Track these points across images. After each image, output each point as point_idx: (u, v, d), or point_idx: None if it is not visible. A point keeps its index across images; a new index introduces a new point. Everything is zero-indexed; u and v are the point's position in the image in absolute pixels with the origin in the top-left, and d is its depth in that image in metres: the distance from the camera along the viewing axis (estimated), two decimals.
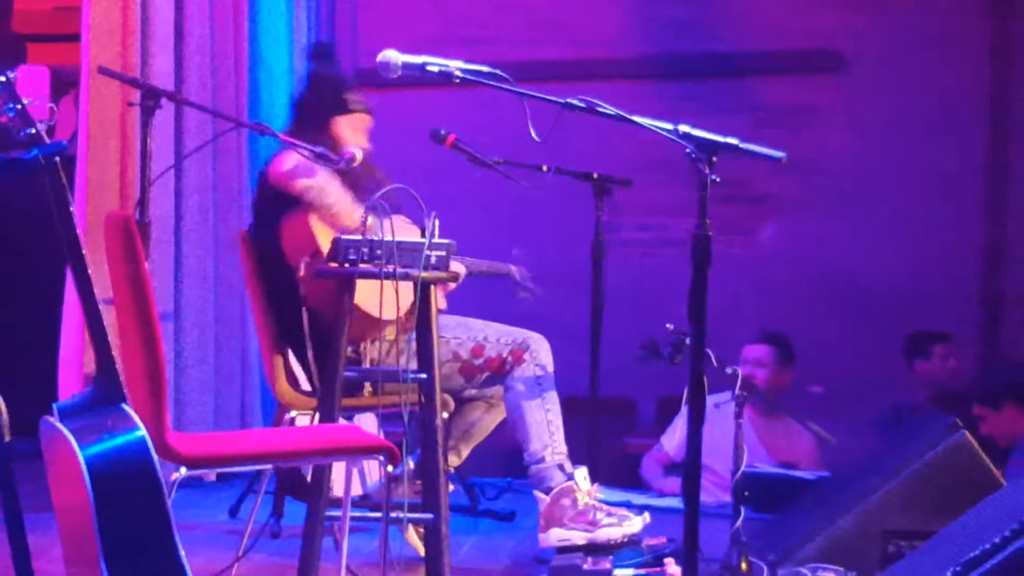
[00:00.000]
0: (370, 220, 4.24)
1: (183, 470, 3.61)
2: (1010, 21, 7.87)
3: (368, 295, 4.39)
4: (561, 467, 4.75)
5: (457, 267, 5.04)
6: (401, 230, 4.43)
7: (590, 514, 4.69)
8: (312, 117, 4.93)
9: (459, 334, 4.85)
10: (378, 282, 4.24)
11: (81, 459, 3.04)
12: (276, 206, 4.74)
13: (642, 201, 7.15)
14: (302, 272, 4.62)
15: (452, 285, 4.98)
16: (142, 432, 3.13)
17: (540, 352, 4.85)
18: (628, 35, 8.19)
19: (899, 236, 7.66)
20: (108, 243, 3.63)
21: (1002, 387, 5.90)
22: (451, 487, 5.20)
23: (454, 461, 5.10)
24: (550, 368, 4.83)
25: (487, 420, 5.07)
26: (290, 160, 4.67)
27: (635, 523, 4.72)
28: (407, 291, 4.27)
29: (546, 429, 4.77)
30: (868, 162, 7.75)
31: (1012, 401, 5.81)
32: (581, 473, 4.76)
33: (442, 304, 4.97)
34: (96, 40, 6.06)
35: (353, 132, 4.95)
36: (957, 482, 4.56)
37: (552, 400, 4.81)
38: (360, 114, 4.99)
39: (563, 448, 4.79)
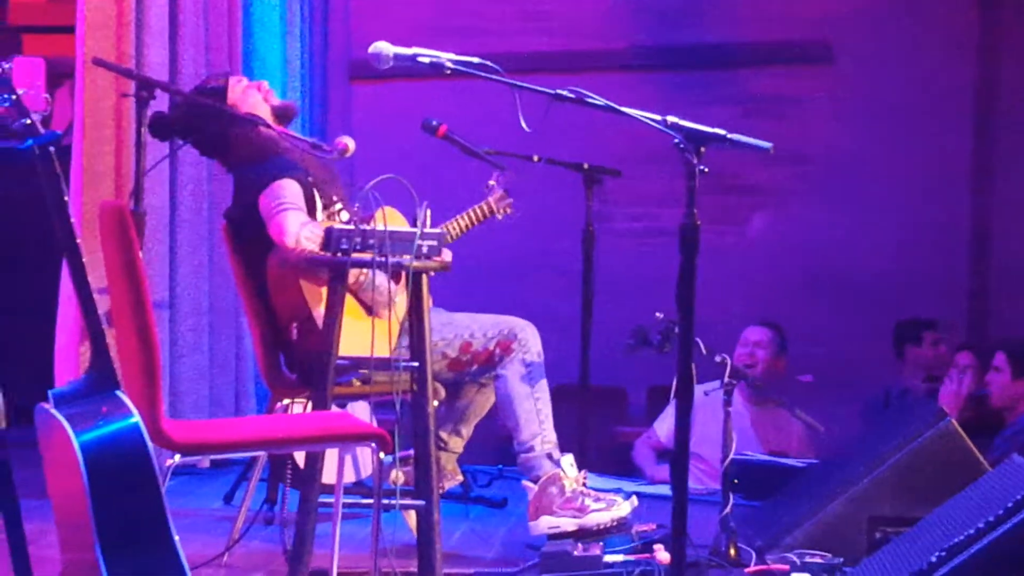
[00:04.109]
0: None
1: (177, 457, 3.64)
2: (996, 10, 7.92)
3: (354, 343, 4.42)
4: (550, 456, 4.76)
5: (445, 254, 5.05)
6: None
7: (578, 500, 4.71)
8: (209, 131, 4.90)
9: (446, 334, 4.83)
10: (363, 327, 4.28)
11: (76, 445, 3.08)
12: (263, 240, 4.69)
13: (633, 191, 7.21)
14: (294, 336, 4.67)
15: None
16: (136, 419, 3.17)
17: (529, 340, 4.83)
18: (619, 26, 8.23)
19: (887, 224, 7.72)
20: (103, 232, 3.67)
21: None
22: (460, 477, 5.23)
23: (458, 443, 5.10)
24: (540, 356, 4.82)
25: (480, 401, 5.06)
26: (291, 226, 4.52)
27: (623, 507, 4.75)
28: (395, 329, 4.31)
29: (535, 418, 4.78)
30: (856, 151, 7.79)
31: None
32: (568, 460, 4.78)
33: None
34: (90, 31, 6.08)
35: (238, 87, 4.96)
36: (943, 469, 4.61)
37: (542, 389, 4.82)
38: (232, 80, 4.99)
39: (552, 437, 4.80)
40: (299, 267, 4.57)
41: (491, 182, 5.48)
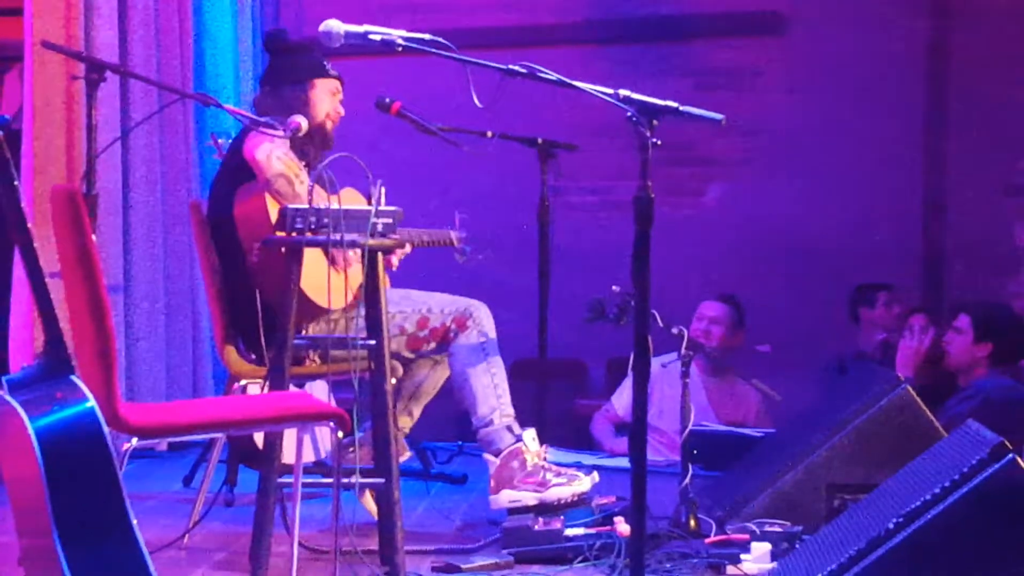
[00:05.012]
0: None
1: (134, 440, 3.64)
2: None
3: (315, 283, 4.42)
4: (509, 429, 4.80)
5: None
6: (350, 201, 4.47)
7: (539, 475, 4.74)
8: (289, 75, 4.93)
9: (404, 308, 4.87)
10: (325, 269, 4.27)
11: (31, 431, 3.06)
12: (234, 178, 4.75)
13: (588, 165, 7.20)
14: (254, 258, 4.65)
15: (399, 255, 5.03)
16: (91, 403, 3.16)
17: (482, 318, 4.89)
18: (572, 1, 8.22)
19: (842, 193, 7.74)
20: (55, 217, 3.65)
21: (998, 332, 5.91)
22: (408, 453, 5.24)
23: (407, 422, 5.13)
24: (493, 334, 4.88)
25: (434, 377, 5.10)
26: (267, 143, 4.59)
27: (584, 482, 4.78)
28: (355, 279, 4.30)
29: (493, 392, 4.82)
30: (810, 122, 7.81)
31: (993, 345, 5.85)
32: (529, 434, 4.81)
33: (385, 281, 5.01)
34: (39, 14, 6.04)
35: (331, 96, 4.96)
36: (899, 436, 4.65)
37: (497, 364, 4.86)
38: (336, 80, 5.00)
39: (510, 410, 4.84)
40: (267, 186, 4.59)
41: (456, 232, 5.52)
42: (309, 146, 4.81)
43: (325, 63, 4.97)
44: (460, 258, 5.55)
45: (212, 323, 5.06)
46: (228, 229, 4.74)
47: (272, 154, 4.55)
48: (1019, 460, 3.51)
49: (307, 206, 4.21)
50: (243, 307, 4.76)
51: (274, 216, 4.52)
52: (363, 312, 4.38)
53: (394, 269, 5.12)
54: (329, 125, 4.96)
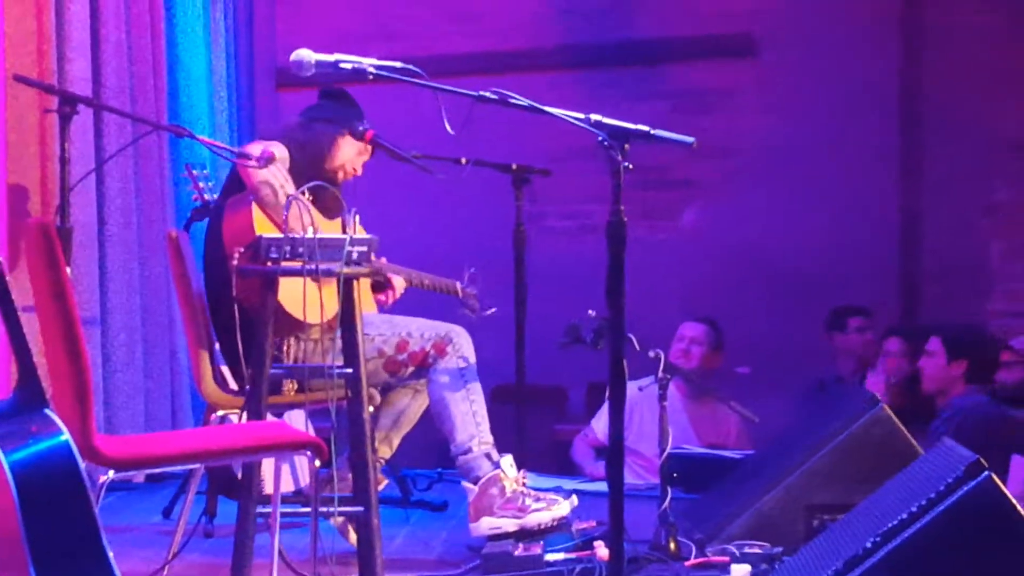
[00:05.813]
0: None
1: (111, 473, 3.63)
2: None
3: (294, 296, 4.41)
4: (488, 456, 4.79)
5: (398, 282, 5.12)
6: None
7: (519, 500, 4.73)
8: (330, 115, 4.95)
9: (383, 331, 4.87)
10: (302, 283, 4.27)
11: (5, 465, 3.06)
12: (228, 191, 4.77)
13: (565, 189, 7.22)
14: (235, 261, 4.63)
15: (393, 296, 5.05)
16: (66, 436, 3.14)
17: (462, 344, 4.88)
18: (545, 26, 8.25)
19: (818, 215, 7.77)
20: (28, 250, 3.65)
21: (970, 348, 5.95)
22: (385, 481, 5.23)
23: (386, 452, 5.12)
24: (472, 359, 4.87)
25: (415, 406, 5.09)
26: (257, 151, 4.61)
27: (563, 506, 4.78)
28: (332, 297, 4.30)
29: (471, 419, 4.82)
30: (785, 143, 7.83)
31: (967, 364, 5.88)
32: (507, 460, 4.81)
33: (371, 307, 5.02)
34: (11, 47, 6.02)
35: (356, 153, 4.97)
36: (877, 455, 4.67)
37: (476, 391, 4.85)
38: (368, 146, 5.00)
39: (489, 437, 4.83)
40: (253, 193, 4.60)
41: (462, 285, 5.53)
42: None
43: (364, 127, 4.96)
44: (464, 311, 5.56)
45: (189, 354, 5.05)
46: (219, 249, 4.72)
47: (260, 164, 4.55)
48: (994, 478, 3.53)
49: (281, 235, 4.21)
50: (226, 331, 4.74)
51: (256, 221, 4.55)
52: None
53: (387, 306, 5.14)
54: (341, 176, 4.96)
